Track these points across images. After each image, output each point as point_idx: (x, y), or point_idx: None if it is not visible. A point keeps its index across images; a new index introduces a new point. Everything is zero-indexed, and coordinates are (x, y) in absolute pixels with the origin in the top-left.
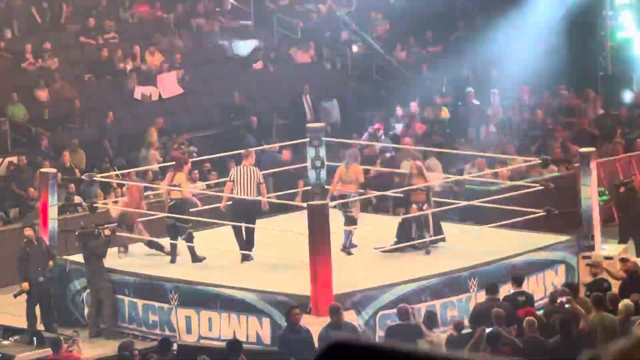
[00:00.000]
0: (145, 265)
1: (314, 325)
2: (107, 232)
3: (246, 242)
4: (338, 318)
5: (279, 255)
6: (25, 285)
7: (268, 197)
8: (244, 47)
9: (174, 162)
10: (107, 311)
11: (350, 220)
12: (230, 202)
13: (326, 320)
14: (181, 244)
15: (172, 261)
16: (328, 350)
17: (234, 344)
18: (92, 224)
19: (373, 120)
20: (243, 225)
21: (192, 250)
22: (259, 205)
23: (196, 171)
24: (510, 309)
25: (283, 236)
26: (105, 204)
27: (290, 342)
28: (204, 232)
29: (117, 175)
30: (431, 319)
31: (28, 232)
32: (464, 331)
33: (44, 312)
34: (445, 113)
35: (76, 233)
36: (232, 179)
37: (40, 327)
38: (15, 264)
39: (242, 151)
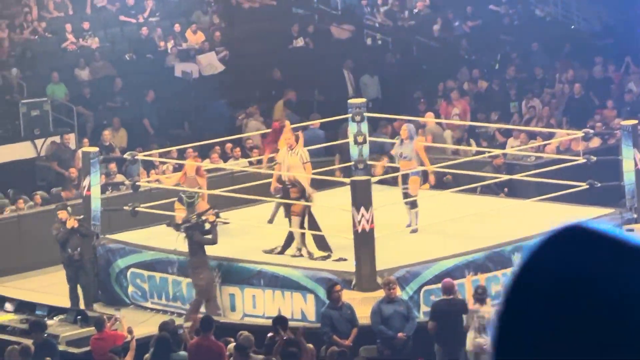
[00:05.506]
0: (178, 242)
1: (357, 301)
2: (211, 218)
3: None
4: (391, 292)
5: (322, 232)
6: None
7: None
8: None
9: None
10: (195, 304)
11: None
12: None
13: (369, 296)
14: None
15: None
16: (564, 232)
17: (281, 320)
18: (192, 215)
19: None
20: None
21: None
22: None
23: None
24: None
25: (326, 212)
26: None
27: (332, 318)
28: (252, 209)
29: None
30: (481, 294)
31: (62, 214)
32: None
33: (83, 292)
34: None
35: (181, 230)
36: (279, 161)
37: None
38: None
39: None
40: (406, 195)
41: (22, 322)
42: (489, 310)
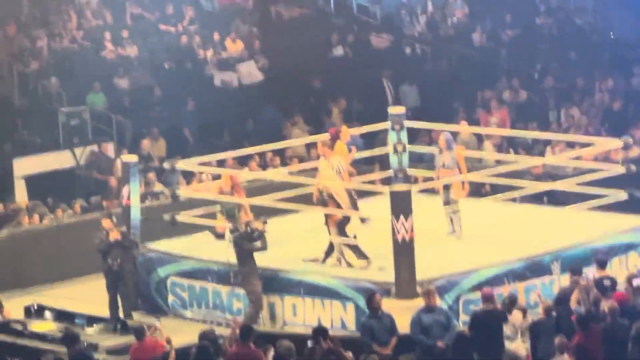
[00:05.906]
0: (228, 252)
1: (396, 310)
2: (260, 226)
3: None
4: (431, 301)
5: (360, 241)
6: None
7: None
8: None
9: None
10: (251, 315)
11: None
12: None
13: (408, 305)
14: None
15: None
16: None
17: (321, 330)
18: (240, 224)
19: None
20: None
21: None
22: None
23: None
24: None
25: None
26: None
27: (372, 327)
28: (291, 217)
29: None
30: (508, 303)
31: (106, 223)
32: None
33: (122, 302)
34: (523, 96)
35: (230, 241)
36: (319, 170)
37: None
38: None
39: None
40: (448, 202)
41: (61, 331)
42: (519, 318)
